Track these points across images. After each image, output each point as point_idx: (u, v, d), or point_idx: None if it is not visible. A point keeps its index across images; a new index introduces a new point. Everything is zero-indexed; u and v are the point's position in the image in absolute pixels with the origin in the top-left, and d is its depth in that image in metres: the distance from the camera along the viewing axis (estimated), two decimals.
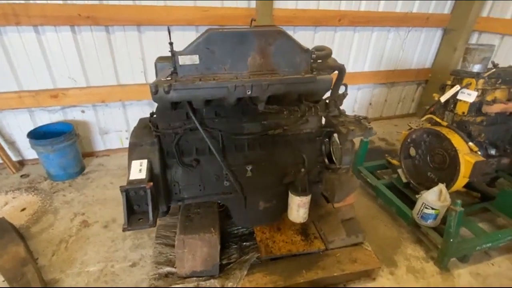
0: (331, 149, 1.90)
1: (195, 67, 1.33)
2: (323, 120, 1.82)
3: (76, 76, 2.87)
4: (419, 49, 4.14)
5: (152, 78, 3.11)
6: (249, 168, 1.81)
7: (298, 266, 1.92)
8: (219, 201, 1.90)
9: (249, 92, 1.39)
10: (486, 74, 2.07)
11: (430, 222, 2.19)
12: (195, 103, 1.44)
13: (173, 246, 2.04)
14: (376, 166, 3.02)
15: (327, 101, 1.70)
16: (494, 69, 2.11)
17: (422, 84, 4.51)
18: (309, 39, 3.47)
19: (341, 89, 1.78)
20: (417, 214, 2.23)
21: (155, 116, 1.69)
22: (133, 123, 3.27)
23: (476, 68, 2.13)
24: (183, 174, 1.75)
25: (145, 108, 3.26)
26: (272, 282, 1.81)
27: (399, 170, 2.67)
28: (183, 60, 1.30)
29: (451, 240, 1.96)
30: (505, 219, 2.44)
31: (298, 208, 1.86)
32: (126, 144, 3.29)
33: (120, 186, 1.44)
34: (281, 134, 1.78)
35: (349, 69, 3.80)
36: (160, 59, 1.59)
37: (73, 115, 3.05)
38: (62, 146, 2.70)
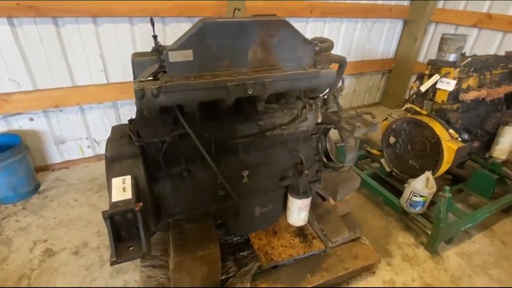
0: (327, 146, 1.82)
1: (188, 65, 1.13)
2: (319, 117, 1.72)
3: (20, 78, 2.41)
4: (383, 39, 4.27)
5: (114, 77, 2.76)
6: (245, 173, 1.65)
7: (301, 270, 1.83)
8: (212, 212, 1.73)
9: (251, 91, 1.23)
10: (463, 63, 2.15)
11: (418, 209, 2.25)
12: (187, 107, 1.23)
13: (162, 267, 1.83)
14: (358, 157, 3.05)
15: (326, 96, 1.60)
16: (469, 58, 2.20)
17: (386, 74, 4.69)
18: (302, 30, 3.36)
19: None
20: (406, 202, 2.28)
21: (134, 123, 1.45)
22: (94, 129, 2.92)
23: (452, 57, 2.21)
24: (172, 187, 1.54)
25: (108, 112, 2.89)
26: None
27: (382, 160, 2.72)
28: (174, 56, 1.08)
29: (441, 225, 2.02)
30: (477, 197, 2.63)
31: (299, 211, 1.76)
32: (87, 153, 2.91)
33: (103, 212, 1.19)
34: (277, 134, 1.65)
35: None
36: (138, 55, 1.34)
37: (19, 124, 2.58)
38: (9, 163, 2.26)
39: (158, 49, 1.18)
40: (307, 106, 1.54)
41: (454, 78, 2.15)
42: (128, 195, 1.28)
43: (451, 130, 2.20)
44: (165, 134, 1.41)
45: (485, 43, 3.58)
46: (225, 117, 1.50)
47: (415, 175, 2.37)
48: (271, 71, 1.25)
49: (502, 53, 2.81)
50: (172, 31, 2.81)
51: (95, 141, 2.97)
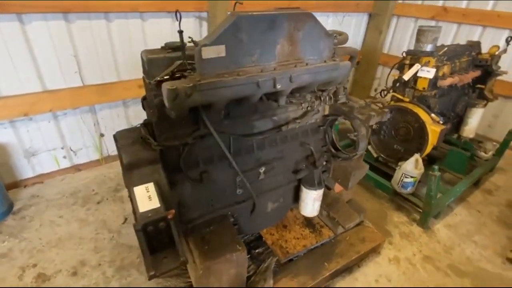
0: (333, 137, 1.88)
1: (220, 61, 1.07)
2: (326, 109, 1.77)
3: None
4: (352, 33, 4.48)
5: (91, 79, 2.52)
6: (262, 170, 1.63)
7: (318, 259, 1.88)
8: (230, 213, 1.68)
9: (279, 86, 1.21)
10: (440, 52, 2.35)
11: (409, 189, 2.43)
12: (216, 105, 1.18)
13: (178, 275, 1.75)
14: (343, 146, 3.18)
15: (336, 88, 1.64)
16: (446, 48, 2.40)
17: (355, 66, 4.93)
18: None
19: None
20: (398, 184, 2.45)
21: (154, 126, 1.35)
22: (70, 138, 2.65)
23: (429, 47, 2.39)
24: (191, 191, 1.47)
25: (86, 117, 2.64)
26: (301, 283, 1.72)
27: (369, 147, 2.87)
28: (207, 52, 1.03)
29: (433, 201, 2.21)
30: (450, 174, 2.91)
31: (314, 202, 1.80)
32: (63, 164, 2.65)
33: (134, 224, 1.10)
34: (289, 128, 1.66)
35: None
36: (149, 52, 1.24)
37: None
38: None
39: (183, 46, 1.11)
40: (321, 98, 1.57)
41: (433, 67, 2.34)
42: (156, 203, 1.19)
43: (432, 115, 2.40)
44: (185, 136, 1.34)
45: (442, 34, 3.93)
46: (242, 114, 1.47)
47: (401, 159, 2.56)
48: (297, 65, 1.25)
49: (457, 42, 3.12)
50: (152, 28, 2.64)
51: (72, 150, 2.70)
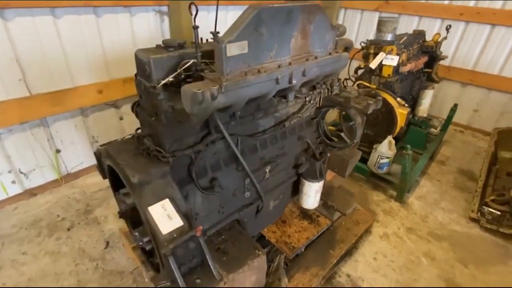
0: (325, 128, 1.92)
1: (242, 58, 0.99)
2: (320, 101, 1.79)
3: None
4: None
5: (39, 87, 2.14)
6: (267, 169, 1.59)
7: (322, 248, 1.92)
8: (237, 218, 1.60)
9: (295, 81, 1.18)
10: (401, 41, 2.56)
11: (385, 169, 2.63)
12: (236, 106, 1.09)
13: None
14: None
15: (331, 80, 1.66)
16: (406, 37, 2.62)
17: None
18: (222, 20, 3.23)
19: None
20: (375, 165, 2.63)
21: (152, 135, 1.20)
22: (19, 158, 2.25)
23: (389, 37, 2.59)
24: (202, 200, 1.36)
25: (37, 132, 2.24)
26: (314, 275, 1.74)
27: (342, 134, 3.02)
28: (231, 49, 0.93)
29: (408, 177, 2.43)
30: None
31: (316, 194, 1.82)
32: (13, 190, 2.25)
33: (162, 251, 0.97)
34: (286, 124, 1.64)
35: None
36: (150, 52, 1.08)
37: None
38: None
39: (197, 43, 0.99)
40: (321, 91, 1.57)
41: (396, 55, 2.54)
42: (178, 221, 1.08)
43: (398, 99, 2.62)
44: (196, 143, 1.23)
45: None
46: (247, 114, 1.40)
47: (373, 142, 2.75)
48: (308, 58, 1.22)
49: (398, 32, 3.46)
50: (108, 25, 2.35)
51: (22, 172, 2.28)
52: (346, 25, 4.73)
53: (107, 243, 2.00)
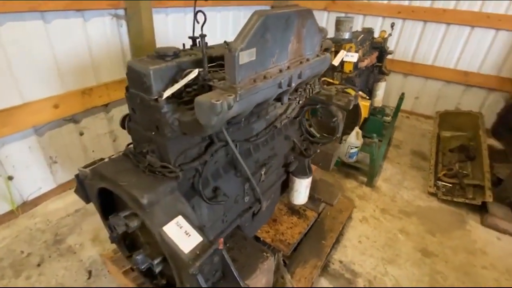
0: (306, 125, 2.00)
1: (251, 65, 0.99)
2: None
3: None
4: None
5: None
6: (263, 171, 1.61)
7: (314, 240, 2.02)
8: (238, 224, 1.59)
9: (293, 84, 1.21)
10: (359, 39, 2.77)
11: (355, 158, 2.84)
12: (244, 113, 1.08)
13: None
14: None
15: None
16: (362, 35, 2.84)
17: None
18: (181, 22, 3.12)
19: None
20: (345, 155, 2.82)
21: (159, 148, 1.12)
22: None
23: (347, 35, 2.79)
24: (207, 211, 1.32)
25: None
26: (313, 266, 1.82)
27: (311, 128, 3.16)
28: (243, 57, 0.92)
29: (376, 164, 2.67)
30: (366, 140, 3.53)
31: (306, 189, 1.89)
32: None
33: (190, 271, 0.92)
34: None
35: None
36: (147, 63, 1.01)
37: None
38: None
39: (204, 52, 0.96)
40: (307, 91, 1.63)
41: (355, 52, 2.75)
42: (197, 237, 1.04)
43: (360, 92, 2.84)
44: (198, 154, 1.19)
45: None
46: (243, 119, 1.39)
47: (342, 134, 2.94)
48: (302, 61, 1.27)
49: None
50: (58, 31, 2.10)
51: None
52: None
53: (89, 272, 1.82)
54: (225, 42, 0.91)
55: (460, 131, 3.55)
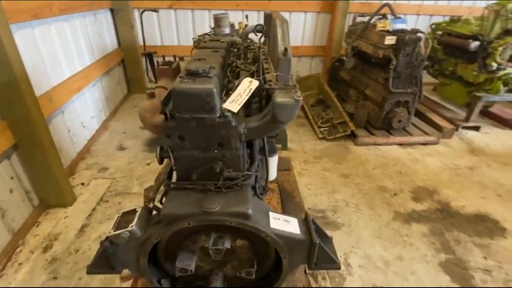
0: None
1: None
2: None
3: None
4: (107, 32, 4.19)
5: None
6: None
7: (290, 203, 2.41)
8: None
9: None
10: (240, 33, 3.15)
11: None
12: None
13: None
14: None
15: None
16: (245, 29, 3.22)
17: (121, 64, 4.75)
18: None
19: None
20: None
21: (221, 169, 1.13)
22: None
23: (227, 30, 3.12)
24: None
25: None
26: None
27: None
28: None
29: (286, 133, 3.29)
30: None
31: (275, 166, 2.21)
32: None
33: (315, 240, 1.11)
34: None
35: None
36: (199, 83, 0.99)
37: None
38: None
39: (262, 64, 1.07)
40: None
41: None
42: (293, 220, 1.23)
43: None
44: (251, 159, 1.28)
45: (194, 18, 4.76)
46: None
47: None
48: None
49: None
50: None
51: None
52: (146, 25, 4.69)
53: None
54: (284, 50, 1.07)
55: (310, 90, 4.78)
